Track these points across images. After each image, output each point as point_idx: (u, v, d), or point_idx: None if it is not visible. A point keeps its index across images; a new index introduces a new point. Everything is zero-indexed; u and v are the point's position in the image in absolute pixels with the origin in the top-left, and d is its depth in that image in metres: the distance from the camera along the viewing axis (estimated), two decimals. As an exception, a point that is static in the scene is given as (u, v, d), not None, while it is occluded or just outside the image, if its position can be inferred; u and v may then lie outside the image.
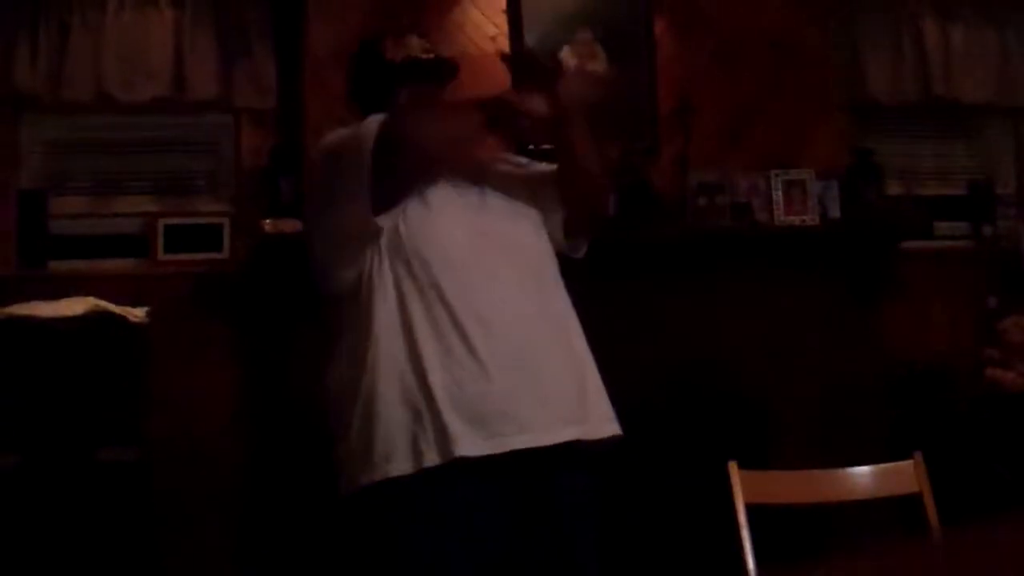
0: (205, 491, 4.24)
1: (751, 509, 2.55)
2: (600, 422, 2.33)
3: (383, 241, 2.25)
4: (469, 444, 2.12)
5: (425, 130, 2.29)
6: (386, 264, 2.24)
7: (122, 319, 3.99)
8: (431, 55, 2.54)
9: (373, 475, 2.16)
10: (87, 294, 4.03)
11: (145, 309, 4.06)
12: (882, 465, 2.68)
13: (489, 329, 2.19)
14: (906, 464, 2.65)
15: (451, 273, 2.22)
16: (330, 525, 3.84)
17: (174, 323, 4.25)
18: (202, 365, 4.35)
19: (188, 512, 4.18)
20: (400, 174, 2.25)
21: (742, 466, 2.60)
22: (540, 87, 2.32)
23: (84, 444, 3.85)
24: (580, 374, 2.34)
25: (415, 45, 2.52)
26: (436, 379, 2.15)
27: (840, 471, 2.68)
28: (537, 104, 2.31)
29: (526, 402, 2.18)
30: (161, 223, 4.49)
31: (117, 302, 4.03)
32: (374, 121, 2.24)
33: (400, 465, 2.14)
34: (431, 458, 2.11)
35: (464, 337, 2.17)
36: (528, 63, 2.37)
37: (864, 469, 2.67)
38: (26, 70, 4.31)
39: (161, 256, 4.46)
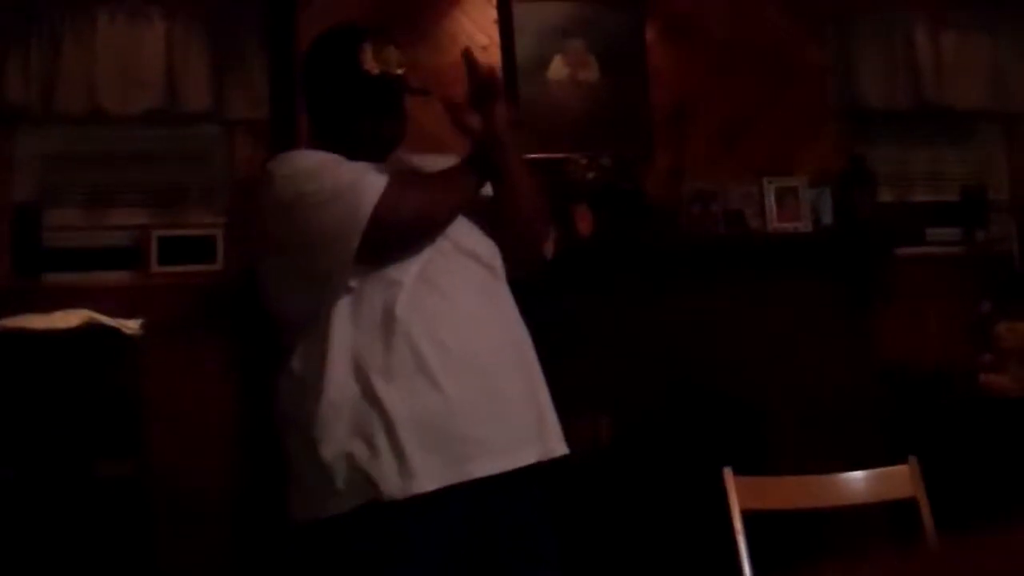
0: (202, 503, 4.23)
1: (747, 515, 2.55)
2: (556, 441, 2.28)
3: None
4: (428, 477, 2.06)
5: (431, 206, 2.24)
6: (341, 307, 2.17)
7: (116, 331, 3.98)
8: (403, 68, 2.40)
9: (327, 508, 2.11)
10: (81, 306, 4.02)
11: (139, 321, 4.05)
12: (877, 470, 2.69)
13: (446, 348, 2.13)
14: (901, 468, 2.66)
15: (408, 292, 2.16)
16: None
17: (169, 335, 4.24)
18: (198, 376, 4.34)
19: (185, 524, 4.17)
20: (398, 248, 2.19)
21: (738, 472, 2.60)
22: (479, 102, 2.25)
23: (80, 457, 3.84)
24: (537, 391, 2.29)
25: (393, 59, 2.38)
26: (391, 404, 2.09)
27: (835, 476, 2.68)
28: (473, 120, 2.26)
29: (487, 424, 2.13)
30: (155, 235, 4.48)
31: (111, 314, 4.02)
32: (370, 187, 2.15)
33: (352, 499, 2.08)
34: (388, 491, 2.05)
35: (420, 359, 2.11)
36: (470, 71, 2.28)
37: (859, 474, 2.67)
38: (19, 83, 4.31)
39: (155, 268, 4.46)
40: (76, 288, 4.30)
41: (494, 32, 4.56)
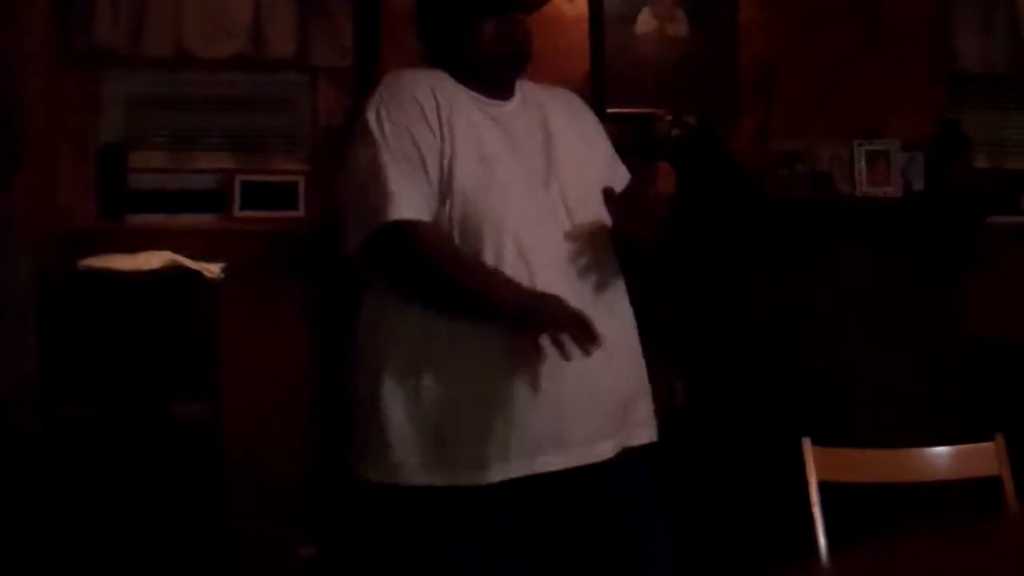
0: (275, 447, 4.27)
1: (824, 487, 2.50)
2: (640, 427, 2.28)
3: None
4: (501, 468, 2.08)
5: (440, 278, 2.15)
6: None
7: (198, 274, 4.02)
8: None
9: (395, 476, 2.12)
10: (164, 248, 4.07)
11: (221, 265, 4.09)
12: (961, 446, 2.62)
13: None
14: (986, 446, 2.59)
15: (508, 260, 2.12)
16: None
17: (249, 279, 4.26)
18: (275, 322, 4.37)
19: (258, 468, 4.22)
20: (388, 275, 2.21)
21: (816, 443, 2.56)
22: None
23: (157, 398, 3.89)
24: (635, 377, 2.28)
25: None
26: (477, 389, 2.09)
27: (917, 451, 2.62)
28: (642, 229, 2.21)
29: (571, 419, 2.12)
30: (238, 179, 4.51)
31: (193, 257, 4.05)
32: (400, 202, 2.12)
33: (427, 475, 2.09)
34: (464, 477, 2.08)
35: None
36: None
37: (942, 449, 2.61)
38: (107, 26, 4.33)
39: (237, 213, 4.49)
40: (159, 230, 4.34)
41: (582, -17, 4.49)
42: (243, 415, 4.19)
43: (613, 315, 2.25)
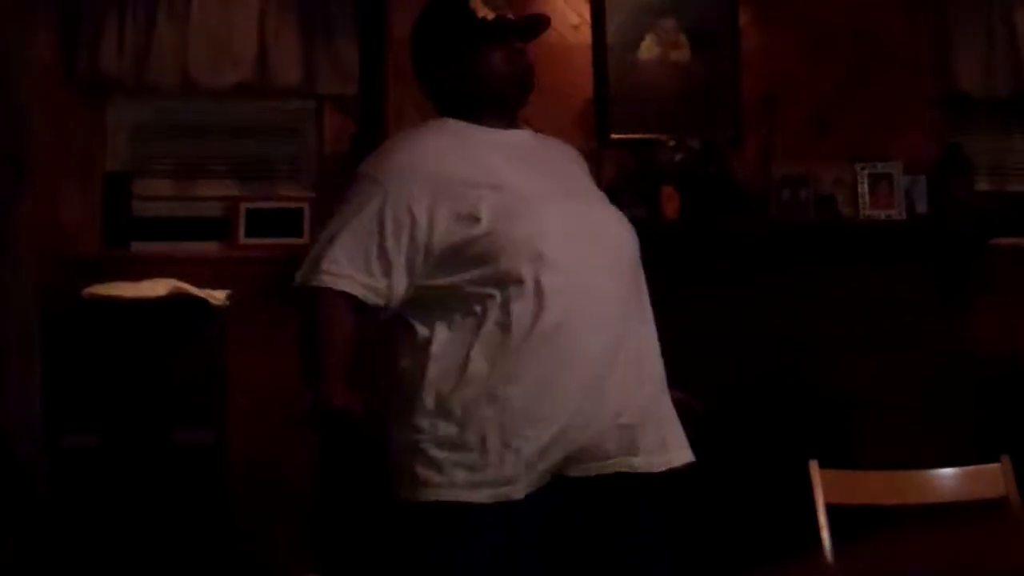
0: (280, 474, 4.26)
1: (832, 509, 2.50)
2: (674, 450, 2.29)
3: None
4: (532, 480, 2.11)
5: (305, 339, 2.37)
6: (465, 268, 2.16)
7: (203, 301, 4.03)
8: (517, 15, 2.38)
9: (442, 494, 2.12)
10: (169, 276, 4.08)
11: (226, 292, 4.10)
12: (967, 468, 2.62)
13: (572, 354, 2.11)
14: (993, 467, 2.59)
15: (542, 280, 2.12)
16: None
17: (254, 307, 4.27)
18: (280, 349, 4.35)
19: (262, 494, 4.21)
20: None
21: (823, 465, 2.55)
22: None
23: (161, 425, 3.89)
24: (656, 400, 2.28)
25: (502, 4, 2.34)
26: (511, 403, 2.09)
27: (924, 472, 2.62)
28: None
29: (592, 432, 2.13)
30: (243, 207, 4.52)
31: (198, 284, 4.06)
32: (326, 267, 2.24)
33: (472, 493, 2.09)
34: (511, 492, 2.09)
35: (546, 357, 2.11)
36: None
37: (949, 471, 2.61)
38: (113, 54, 4.36)
39: (242, 240, 4.50)
40: (164, 257, 4.35)
41: (585, 10, 4.52)
42: (248, 442, 4.18)
43: (647, 323, 2.30)
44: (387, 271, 2.18)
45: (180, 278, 4.07)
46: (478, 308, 2.12)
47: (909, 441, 4.22)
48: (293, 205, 4.57)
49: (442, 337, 2.15)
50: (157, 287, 4.02)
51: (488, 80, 2.31)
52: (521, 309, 2.09)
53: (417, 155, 2.26)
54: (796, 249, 4.34)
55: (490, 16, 2.30)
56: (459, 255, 2.15)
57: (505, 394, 2.08)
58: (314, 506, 4.26)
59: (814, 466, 2.54)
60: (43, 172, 3.91)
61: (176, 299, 4.02)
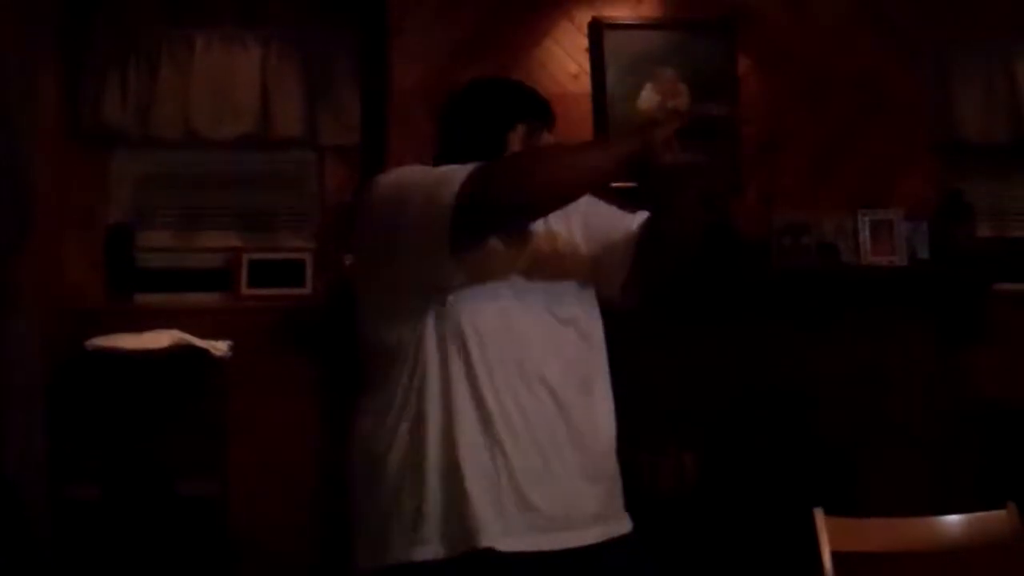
0: (282, 525, 4.24)
1: (838, 557, 2.48)
2: (624, 518, 2.21)
3: (434, 311, 2.08)
4: (502, 539, 2.00)
5: (536, 177, 1.99)
6: (432, 332, 2.07)
7: (205, 352, 4.03)
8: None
9: (399, 555, 2.03)
10: (172, 327, 4.08)
11: (228, 343, 4.10)
12: (973, 514, 2.60)
13: (526, 421, 2.04)
14: (998, 514, 2.57)
15: (499, 357, 2.05)
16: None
17: (256, 357, 4.27)
18: (283, 400, 4.36)
19: (264, 545, 4.18)
20: (496, 222, 2.03)
21: (828, 512, 2.54)
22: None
23: (163, 476, 3.88)
24: (612, 469, 2.21)
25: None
26: (475, 465, 2.02)
27: (930, 519, 2.60)
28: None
29: (559, 498, 2.06)
30: (245, 258, 4.54)
31: (201, 335, 4.07)
32: (463, 169, 1.99)
33: (433, 548, 2.01)
34: (462, 546, 1.99)
35: (492, 418, 2.03)
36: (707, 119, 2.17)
37: (954, 518, 2.59)
38: (116, 106, 4.40)
39: (245, 290, 4.51)
40: (167, 309, 4.36)
41: (584, 60, 4.54)
42: (250, 493, 4.17)
43: (606, 400, 2.23)
44: None
45: (183, 329, 4.08)
46: None
47: (911, 486, 4.20)
48: (295, 256, 4.58)
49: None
50: (160, 338, 4.03)
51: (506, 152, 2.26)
52: None
53: None
54: (798, 296, 4.34)
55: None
56: None
57: None
58: (316, 557, 4.24)
59: (819, 513, 2.52)
60: (46, 224, 3.93)
61: (179, 350, 4.02)
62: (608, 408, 2.21)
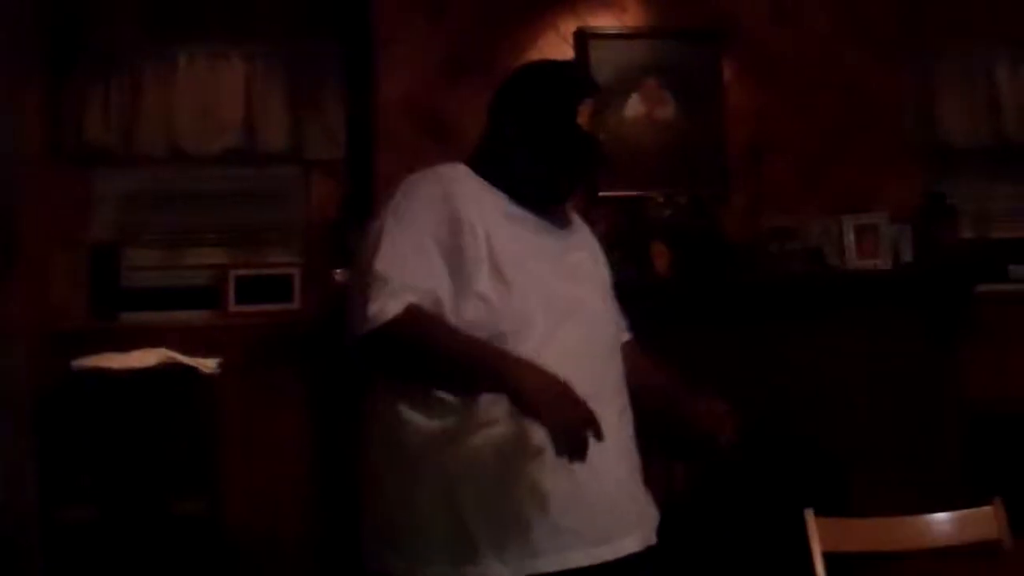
0: (276, 540, 4.23)
1: (829, 557, 2.48)
2: (652, 527, 2.25)
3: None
4: (528, 564, 2.02)
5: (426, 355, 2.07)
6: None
7: (194, 370, 4.02)
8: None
9: (419, 570, 2.07)
10: (159, 345, 4.07)
11: (217, 360, 4.09)
12: (960, 512, 2.61)
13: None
14: (986, 510, 2.58)
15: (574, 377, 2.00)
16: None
17: (245, 373, 4.27)
18: (274, 415, 4.36)
19: (259, 561, 4.18)
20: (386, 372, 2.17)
21: (818, 513, 2.54)
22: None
23: (157, 495, 3.87)
24: (637, 475, 2.26)
25: (600, 126, 2.35)
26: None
27: (918, 518, 2.61)
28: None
29: (598, 513, 2.09)
30: (232, 274, 4.53)
31: (189, 353, 4.06)
32: (389, 298, 2.03)
33: (443, 569, 2.03)
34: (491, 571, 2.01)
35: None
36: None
37: (942, 516, 2.60)
38: (99, 124, 4.39)
39: (232, 307, 4.50)
40: (154, 327, 4.35)
41: (570, 71, 4.55)
42: (244, 509, 4.17)
43: (628, 412, 2.28)
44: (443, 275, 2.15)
45: (170, 347, 4.07)
46: None
47: (899, 485, 4.21)
48: (282, 271, 4.58)
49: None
50: (147, 357, 4.02)
51: (544, 182, 2.28)
52: None
53: (438, 191, 2.21)
54: (785, 301, 4.35)
55: (590, 129, 2.30)
56: None
57: None
58: (312, 571, 4.23)
59: (810, 514, 2.53)
60: (30, 245, 3.92)
61: (167, 369, 4.01)
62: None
